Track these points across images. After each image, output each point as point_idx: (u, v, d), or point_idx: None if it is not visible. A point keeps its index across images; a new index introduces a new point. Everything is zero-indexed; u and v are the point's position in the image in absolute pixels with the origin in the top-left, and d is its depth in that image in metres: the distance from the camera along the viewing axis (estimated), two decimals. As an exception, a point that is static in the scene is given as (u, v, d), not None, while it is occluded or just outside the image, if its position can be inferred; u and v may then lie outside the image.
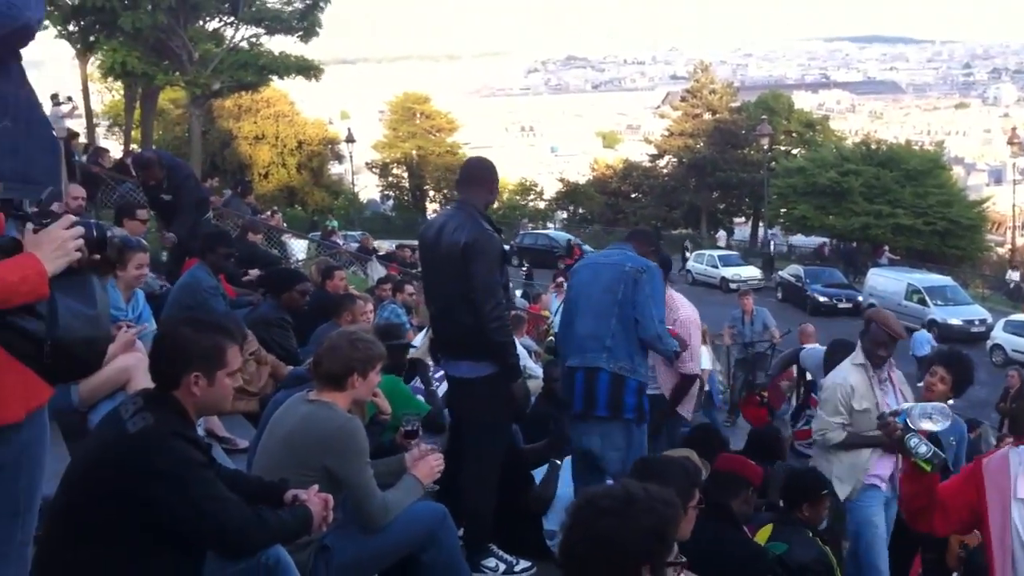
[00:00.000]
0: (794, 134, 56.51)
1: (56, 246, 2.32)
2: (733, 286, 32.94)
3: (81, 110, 28.62)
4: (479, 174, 5.12)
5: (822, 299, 31.25)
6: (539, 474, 5.74)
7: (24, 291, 2.24)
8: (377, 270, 17.62)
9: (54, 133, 4.03)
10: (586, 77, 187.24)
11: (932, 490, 3.17)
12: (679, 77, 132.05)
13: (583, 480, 5.17)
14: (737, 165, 52.54)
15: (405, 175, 61.59)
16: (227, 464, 3.76)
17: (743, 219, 58.36)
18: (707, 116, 55.37)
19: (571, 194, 62.21)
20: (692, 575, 3.15)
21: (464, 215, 4.88)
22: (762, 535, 4.65)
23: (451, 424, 5.37)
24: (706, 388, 12.13)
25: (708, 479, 4.36)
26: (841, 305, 30.83)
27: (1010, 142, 42.99)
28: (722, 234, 53.22)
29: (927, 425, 3.12)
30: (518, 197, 61.98)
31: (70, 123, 19.18)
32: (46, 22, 22.44)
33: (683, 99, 59.06)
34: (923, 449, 3.08)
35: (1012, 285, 37.11)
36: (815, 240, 49.04)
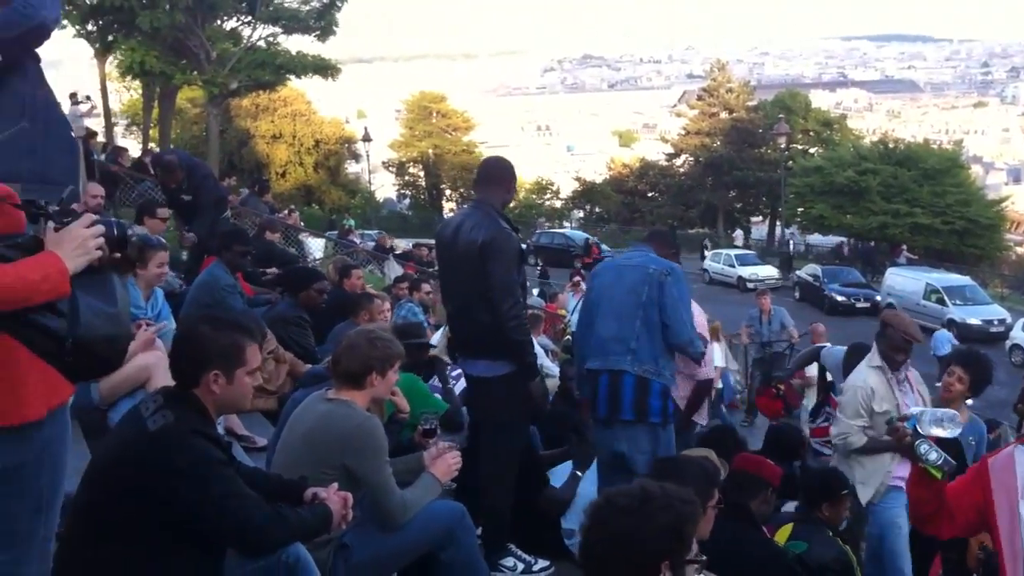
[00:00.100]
0: (811, 133, 56.23)
1: (77, 244, 2.33)
2: (750, 285, 32.86)
3: (99, 109, 28.77)
4: (497, 173, 5.12)
5: (840, 299, 31.12)
6: (557, 478, 5.73)
7: (46, 289, 2.25)
8: (394, 269, 17.65)
9: (72, 133, 4.05)
10: (602, 76, 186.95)
11: (941, 495, 3.12)
12: (696, 76, 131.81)
13: (610, 482, 5.13)
14: (754, 164, 52.38)
15: (421, 174, 61.72)
16: (246, 462, 3.77)
17: (760, 218, 58.16)
18: (724, 115, 55.23)
19: (587, 193, 62.18)
20: (711, 575, 3.14)
21: (481, 214, 4.88)
22: (782, 534, 4.63)
23: (470, 423, 5.36)
24: (718, 386, 12.13)
25: (727, 479, 4.34)
26: (859, 305, 30.68)
27: (1029, 140, 42.67)
28: (739, 233, 53.09)
29: (937, 431, 3.05)
30: (534, 196, 61.97)
31: (88, 122, 19.29)
32: (64, 21, 22.61)
33: (700, 98, 58.91)
34: (933, 456, 3.02)
35: (1031, 284, 36.89)
36: (832, 239, 48.84)
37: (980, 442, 6.07)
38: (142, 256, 5.10)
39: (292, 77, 31.83)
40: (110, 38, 28.32)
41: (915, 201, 41.68)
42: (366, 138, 42.57)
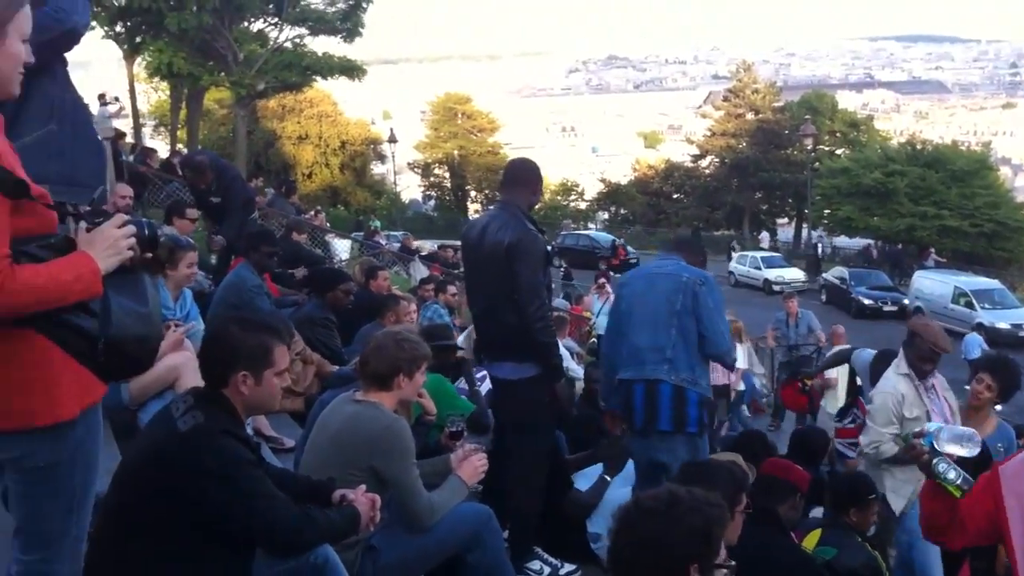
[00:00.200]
0: (838, 134, 55.95)
1: (109, 244, 2.34)
2: (776, 288, 32.70)
3: (128, 110, 29.02)
4: (523, 175, 5.12)
5: (867, 302, 30.89)
6: (583, 481, 5.71)
7: (78, 289, 2.27)
8: (420, 270, 17.69)
9: (99, 136, 4.09)
10: (627, 77, 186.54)
11: (955, 508, 3.06)
12: (721, 77, 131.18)
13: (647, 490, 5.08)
14: (780, 165, 52.17)
15: (447, 175, 61.88)
16: (274, 463, 3.79)
17: (786, 220, 57.89)
18: (750, 116, 55.05)
19: (612, 194, 62.15)
20: (739, 581, 3.12)
21: (508, 215, 4.88)
22: (810, 540, 4.59)
23: (494, 425, 5.35)
24: (740, 388, 12.07)
25: (754, 484, 4.31)
26: (886, 308, 30.45)
27: (1059, 142, 42.29)
28: (765, 235, 52.85)
29: (955, 449, 2.96)
30: (559, 197, 62.00)
31: (117, 123, 19.45)
32: (93, 23, 22.79)
33: (725, 99, 58.75)
34: (952, 475, 2.92)
35: (1061, 288, 36.42)
36: (859, 242, 48.51)
37: (1009, 448, 5.98)
38: (172, 257, 5.13)
39: (318, 78, 31.97)
40: (138, 39, 28.58)
41: (943, 203, 41.35)
42: (392, 139, 42.70)
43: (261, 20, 30.97)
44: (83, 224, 2.37)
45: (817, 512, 5.28)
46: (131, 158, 17.46)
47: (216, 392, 2.90)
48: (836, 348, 12.83)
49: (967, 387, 5.77)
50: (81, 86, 3.92)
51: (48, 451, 2.39)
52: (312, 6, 30.73)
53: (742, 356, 12.27)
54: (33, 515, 2.48)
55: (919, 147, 47.16)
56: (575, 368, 9.40)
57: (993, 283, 31.45)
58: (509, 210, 4.91)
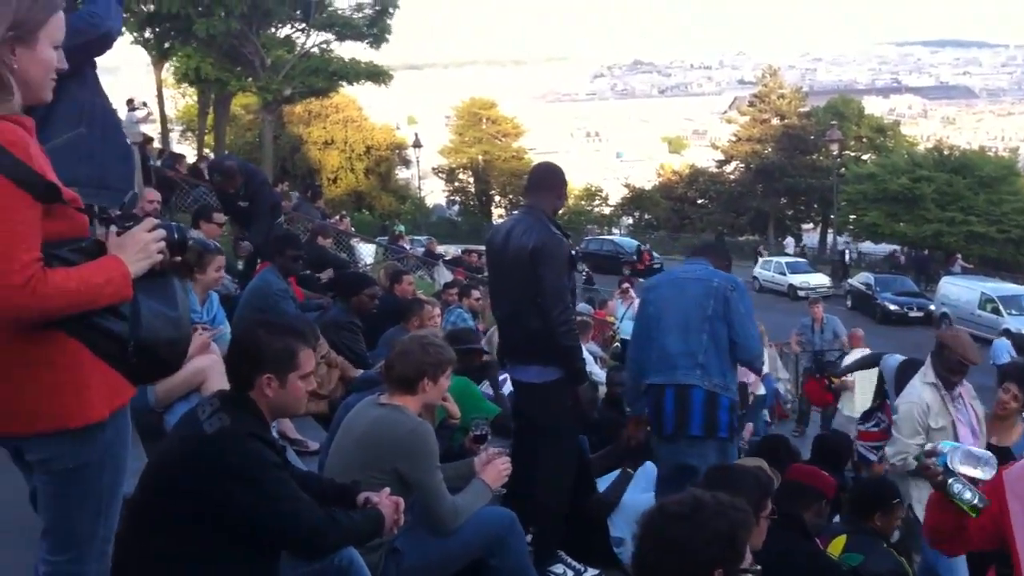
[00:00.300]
0: (864, 139, 55.63)
1: (139, 248, 2.36)
2: (801, 294, 32.55)
3: (155, 115, 29.24)
4: (547, 179, 5.13)
5: (892, 308, 30.68)
6: (604, 482, 5.71)
7: (109, 293, 2.29)
8: (444, 275, 17.72)
9: (127, 140, 4.13)
10: (652, 82, 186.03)
11: (961, 520, 3.04)
12: (747, 82, 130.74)
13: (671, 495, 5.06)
14: (806, 171, 51.96)
15: (471, 180, 62.01)
16: (299, 466, 3.80)
17: (811, 226, 57.60)
18: (775, 121, 54.85)
19: (636, 200, 62.03)
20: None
21: (532, 219, 4.89)
22: (836, 546, 4.57)
23: (514, 429, 5.35)
24: (760, 392, 11.99)
25: (780, 489, 4.30)
26: (912, 314, 30.25)
27: (1087, 149, 41.89)
28: (789, 241, 52.63)
29: (969, 471, 2.88)
30: (583, 203, 61.97)
31: (144, 128, 19.57)
32: (122, 28, 23.01)
33: (751, 104, 58.58)
34: (968, 495, 2.85)
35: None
36: (884, 247, 48.20)
37: (1034, 459, 5.93)
38: (200, 260, 5.16)
39: (345, 84, 32.07)
40: (167, 45, 28.79)
41: (970, 209, 41.02)
42: (416, 144, 42.84)
43: (288, 26, 31.14)
44: (113, 228, 2.39)
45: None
46: (159, 163, 17.61)
47: (242, 395, 2.92)
48: (856, 351, 12.80)
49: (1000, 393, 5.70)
50: (110, 91, 3.95)
51: (78, 453, 2.40)
52: (339, 12, 30.87)
53: (765, 361, 12.23)
54: (62, 516, 2.50)
55: (946, 152, 46.77)
56: (598, 372, 9.40)
57: (1020, 289, 31.05)
58: (534, 214, 4.92)
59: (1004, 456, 3.08)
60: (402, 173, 58.65)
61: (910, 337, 24.61)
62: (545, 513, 4.88)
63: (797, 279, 35.94)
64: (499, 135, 61.19)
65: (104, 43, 3.69)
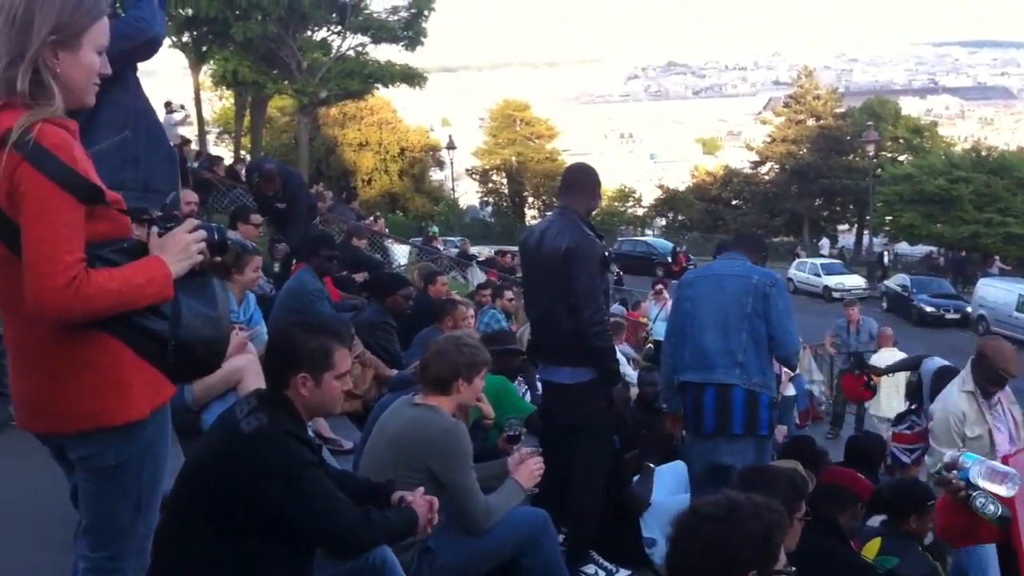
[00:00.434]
0: (901, 140, 55.10)
1: (180, 249, 2.39)
2: (836, 295, 32.26)
3: (193, 117, 29.53)
4: (581, 180, 5.13)
5: (928, 309, 30.34)
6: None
7: (150, 293, 2.32)
8: (477, 275, 17.76)
9: (170, 143, 4.18)
10: (687, 83, 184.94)
11: (975, 522, 3.02)
12: (782, 83, 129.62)
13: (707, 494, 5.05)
14: (841, 172, 51.50)
15: (504, 181, 62.05)
16: (333, 465, 3.83)
17: (846, 227, 57.11)
18: (811, 122, 54.43)
19: (670, 201, 61.78)
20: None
21: (566, 220, 4.90)
22: (870, 549, 4.54)
23: (543, 429, 5.35)
24: (790, 392, 11.90)
25: (815, 491, 4.28)
26: (948, 316, 29.91)
27: None
28: (824, 242, 52.21)
29: (991, 487, 2.89)
30: (617, 204, 61.82)
31: (182, 130, 19.79)
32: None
33: (786, 105, 58.19)
34: (991, 509, 2.87)
35: None
36: (921, 249, 47.70)
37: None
38: (238, 261, 5.20)
39: (379, 86, 32.19)
40: (204, 48, 29.08)
41: (1008, 210, 40.55)
42: (450, 146, 42.95)
43: (325, 29, 31.32)
44: (155, 229, 2.42)
45: (874, 521, 5.22)
46: (196, 164, 17.78)
47: (279, 394, 2.94)
48: (884, 350, 12.71)
49: None
50: (148, 94, 4.00)
51: (118, 450, 2.43)
52: (375, 15, 31.01)
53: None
54: (102, 514, 2.52)
55: (984, 153, 46.29)
56: (631, 373, 9.38)
57: (1059, 291, 30.68)
58: (567, 216, 4.93)
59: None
60: (436, 175, 58.82)
61: (946, 339, 24.36)
62: (578, 513, 4.89)
63: (832, 280, 35.62)
64: (533, 137, 61.16)
65: (150, 48, 3.74)
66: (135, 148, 3.61)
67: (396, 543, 3.36)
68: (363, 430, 4.97)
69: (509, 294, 10.65)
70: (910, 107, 77.42)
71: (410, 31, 30.42)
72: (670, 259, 36.74)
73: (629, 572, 5.03)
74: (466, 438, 3.78)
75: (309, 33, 30.81)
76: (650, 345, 13.69)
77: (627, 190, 65.57)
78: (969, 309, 29.74)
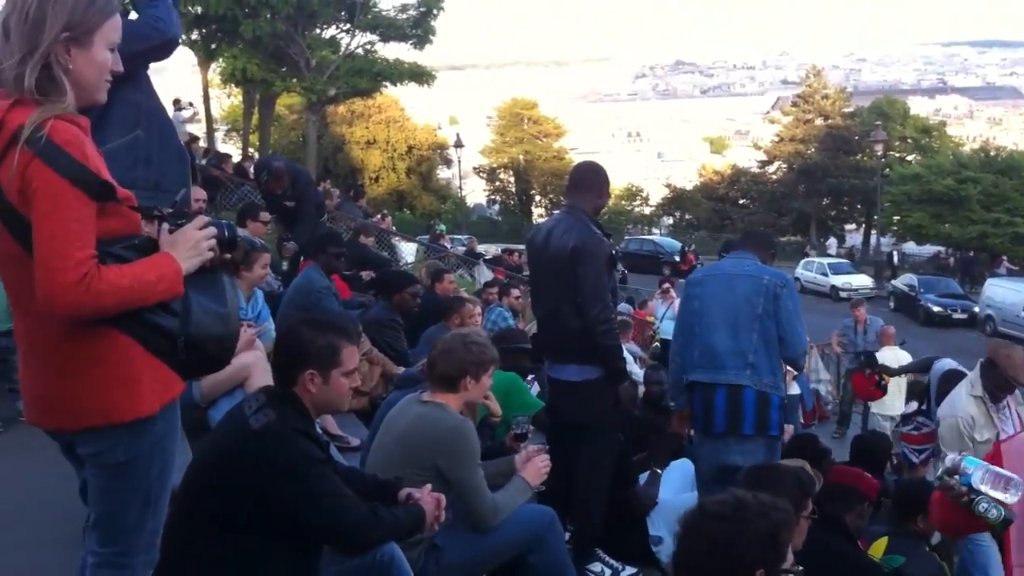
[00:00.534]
0: (909, 140, 54.97)
1: (191, 246, 2.41)
2: (843, 295, 32.22)
3: (201, 115, 29.57)
4: (589, 179, 5.12)
5: (936, 309, 30.31)
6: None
7: (161, 289, 2.33)
8: (484, 274, 17.78)
9: (181, 142, 4.20)
10: (695, 82, 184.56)
11: (972, 518, 3.03)
12: (790, 82, 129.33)
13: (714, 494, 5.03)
14: (849, 171, 51.37)
15: (512, 180, 61.99)
16: (340, 462, 3.84)
17: (853, 226, 56.98)
18: (819, 122, 54.30)
19: (677, 200, 61.73)
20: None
21: (573, 219, 4.90)
22: (877, 548, 4.54)
23: (550, 427, 5.36)
24: (795, 391, 11.88)
25: (822, 491, 4.28)
26: (955, 316, 29.87)
27: None
28: (832, 241, 52.06)
29: (992, 492, 2.87)
30: (624, 202, 61.76)
31: (191, 127, 19.84)
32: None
33: (794, 104, 58.04)
34: (994, 513, 2.85)
35: None
36: (929, 249, 47.60)
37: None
38: (247, 258, 5.22)
39: (388, 84, 32.17)
40: (213, 46, 29.09)
41: (1016, 210, 40.48)
42: (458, 144, 42.87)
43: (333, 27, 31.26)
44: (165, 225, 2.43)
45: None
46: (204, 162, 17.82)
47: (287, 391, 2.95)
48: (886, 348, 12.66)
49: None
50: (157, 91, 4.02)
51: (128, 446, 2.44)
52: (383, 13, 30.98)
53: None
54: (111, 509, 2.53)
55: (992, 153, 46.17)
56: (637, 372, 9.38)
57: (1067, 292, 30.59)
58: (574, 214, 4.93)
59: None
60: (443, 173, 58.79)
61: (953, 339, 24.33)
62: (584, 511, 4.90)
63: (839, 280, 35.62)
64: (540, 135, 61.13)
65: (167, 48, 3.76)
66: (147, 147, 3.62)
67: (403, 540, 3.36)
68: (370, 427, 4.97)
69: (516, 292, 10.66)
70: (919, 107, 77.20)
71: (419, 29, 30.35)
72: (678, 258, 36.73)
73: (635, 570, 5.03)
74: (473, 436, 3.79)
75: (318, 31, 30.76)
76: (657, 344, 13.72)
77: (634, 189, 65.51)
78: (976, 309, 29.74)
